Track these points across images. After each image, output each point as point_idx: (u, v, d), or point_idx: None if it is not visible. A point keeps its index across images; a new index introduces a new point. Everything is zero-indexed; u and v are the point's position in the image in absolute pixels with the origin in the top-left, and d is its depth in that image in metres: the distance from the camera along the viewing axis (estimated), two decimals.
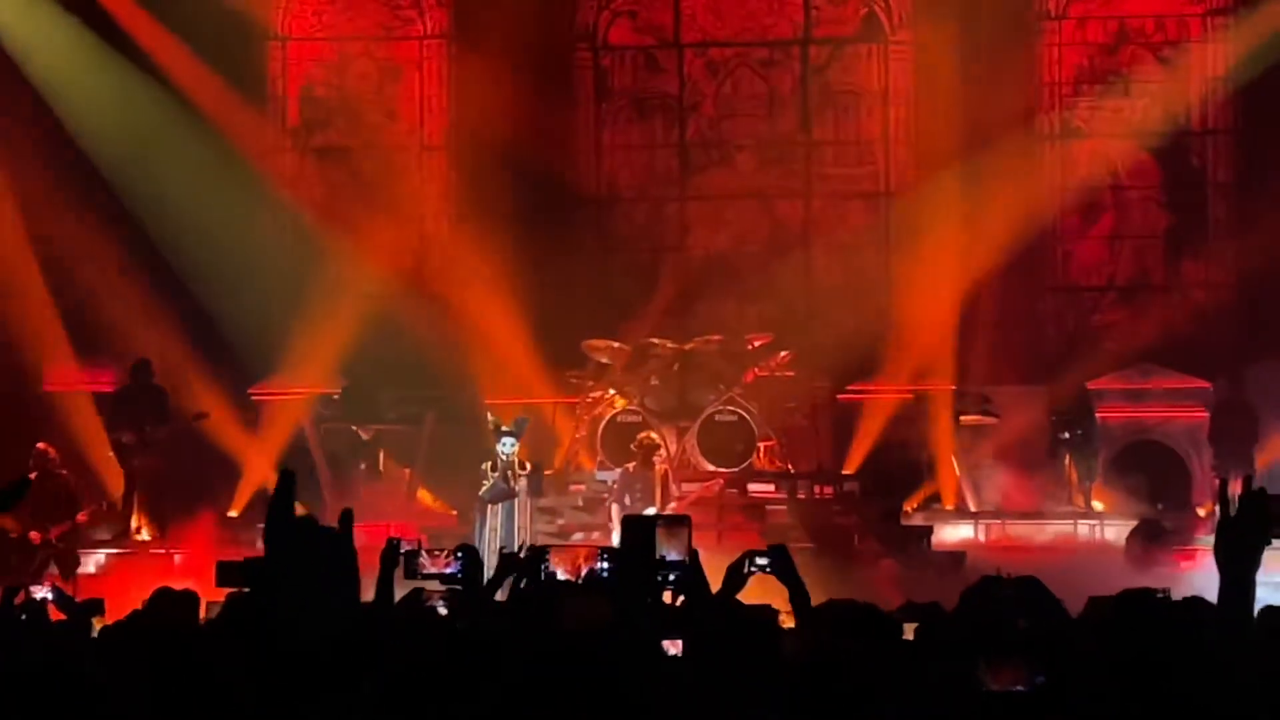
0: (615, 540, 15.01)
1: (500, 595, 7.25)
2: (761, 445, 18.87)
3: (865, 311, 20.12)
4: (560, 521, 18.02)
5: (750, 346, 19.16)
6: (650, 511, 16.62)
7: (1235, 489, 4.30)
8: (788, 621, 6.16)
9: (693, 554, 6.48)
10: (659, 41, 22.32)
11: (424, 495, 19.58)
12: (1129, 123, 21.25)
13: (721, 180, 22.20)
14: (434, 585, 7.50)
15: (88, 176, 20.06)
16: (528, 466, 16.63)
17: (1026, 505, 19.20)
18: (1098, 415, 19.35)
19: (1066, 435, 19.09)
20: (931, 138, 20.80)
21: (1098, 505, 19.08)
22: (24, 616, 9.13)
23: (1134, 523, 18.32)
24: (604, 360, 19.27)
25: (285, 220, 21.33)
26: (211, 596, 9.25)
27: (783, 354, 19.10)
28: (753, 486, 18.68)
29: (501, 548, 12.51)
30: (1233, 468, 17.77)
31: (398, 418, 19.87)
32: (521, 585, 7.10)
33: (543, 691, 4.75)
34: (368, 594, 6.78)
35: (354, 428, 19.84)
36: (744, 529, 17.22)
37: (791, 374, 19.32)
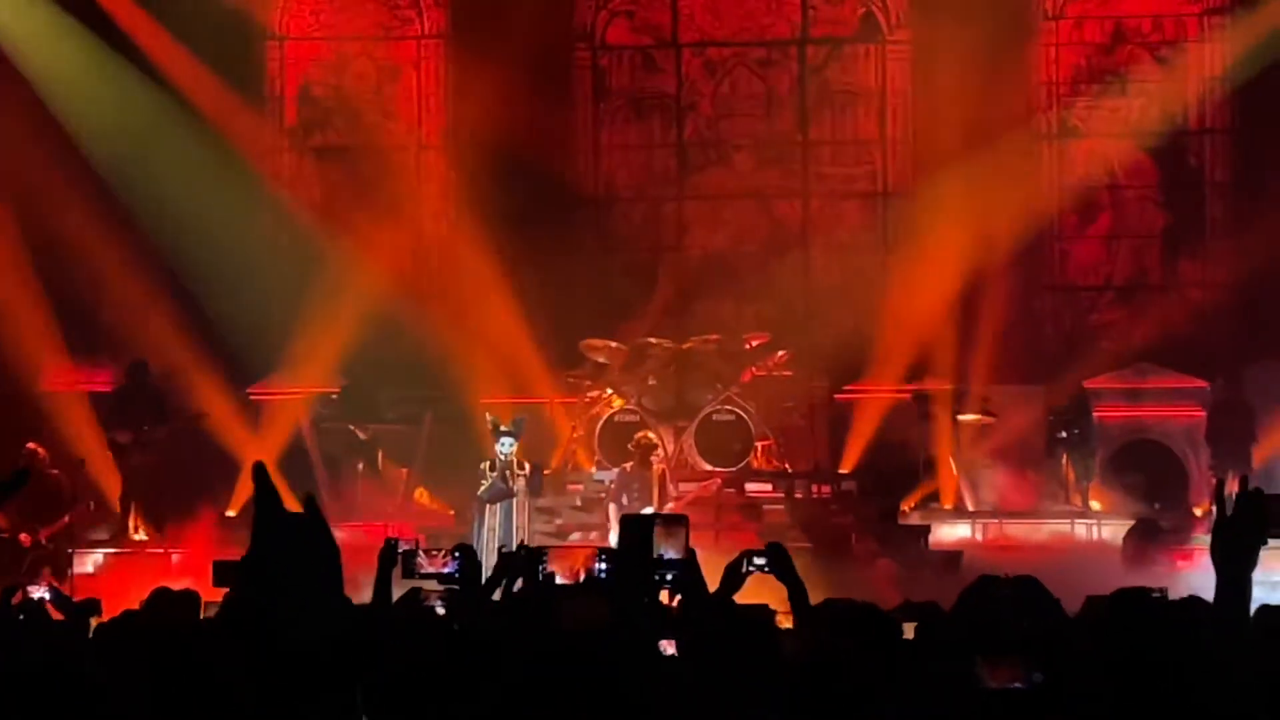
0: (613, 540, 15.02)
1: (496, 595, 7.26)
2: (759, 445, 18.88)
3: (863, 311, 20.11)
4: (558, 521, 18.03)
5: (748, 346, 19.17)
6: (648, 511, 16.64)
7: (1232, 489, 4.30)
8: (785, 621, 6.17)
9: (690, 553, 6.49)
10: (657, 41, 22.32)
11: (421, 495, 19.59)
12: (1126, 122, 21.27)
13: (719, 180, 22.20)
14: (432, 585, 7.51)
15: (85, 176, 20.05)
16: (526, 466, 16.62)
17: (1024, 504, 19.21)
18: (1095, 415, 19.36)
19: (1064, 434, 19.10)
20: (929, 137, 20.80)
21: (1095, 505, 19.09)
22: (21, 616, 9.13)
23: (1131, 522, 18.34)
24: (601, 360, 19.28)
25: (283, 220, 21.32)
26: (211, 597, 9.27)
27: (780, 353, 19.11)
28: (750, 486, 18.69)
29: (500, 547, 12.51)
30: (1230, 467, 17.76)
31: (396, 418, 19.88)
32: (515, 587, 7.10)
33: (541, 692, 4.76)
34: (366, 594, 6.80)
35: (352, 428, 19.84)
36: (741, 528, 17.23)
37: (789, 373, 19.33)
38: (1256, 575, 4.16)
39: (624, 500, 16.94)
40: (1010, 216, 20.11)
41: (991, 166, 19.86)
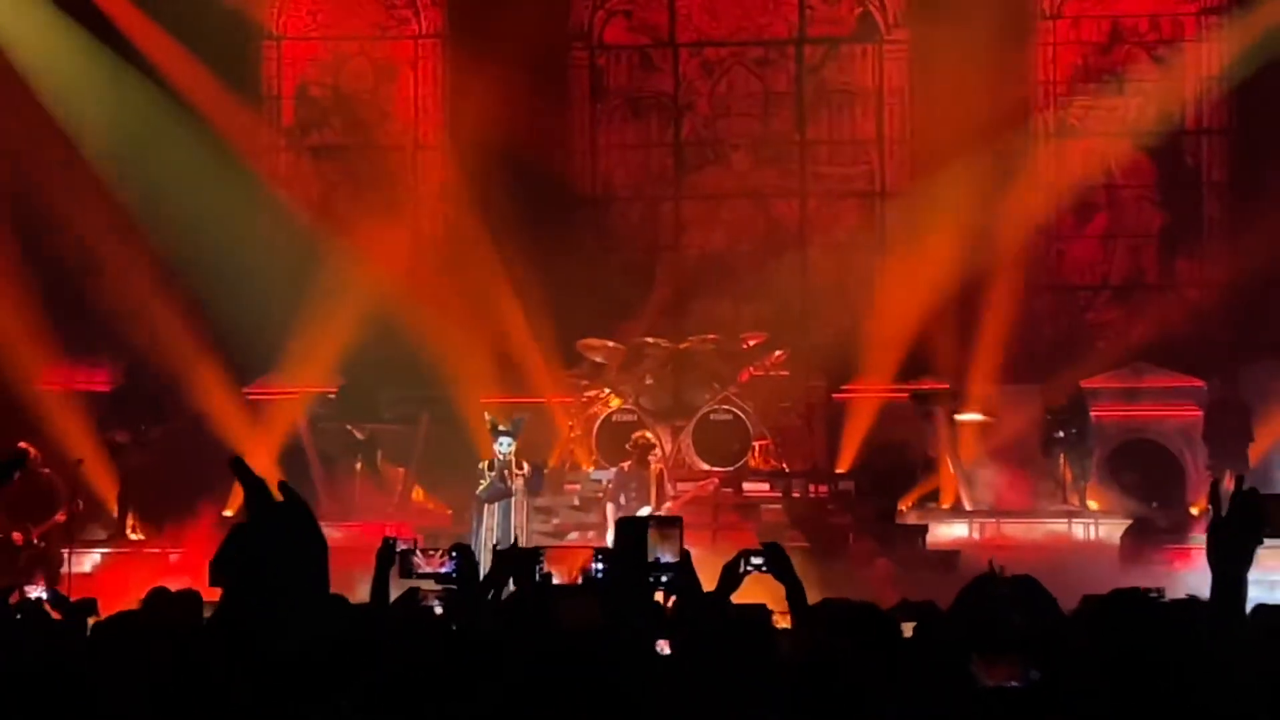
0: (610, 540, 15.03)
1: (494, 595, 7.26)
2: (756, 444, 18.90)
3: (860, 311, 20.11)
4: (556, 521, 18.06)
5: (745, 346, 19.19)
6: (645, 510, 16.65)
7: (1228, 488, 4.31)
8: (782, 621, 6.17)
9: (684, 555, 6.49)
10: (654, 41, 22.32)
11: (419, 495, 19.60)
12: (1124, 122, 21.27)
13: (716, 179, 22.21)
14: (429, 585, 7.52)
15: (83, 176, 20.04)
16: (525, 466, 16.62)
17: (1021, 504, 19.21)
18: (1092, 414, 19.35)
19: (1061, 434, 19.09)
20: (927, 137, 20.81)
21: (1092, 504, 19.09)
22: (19, 616, 9.13)
23: (1128, 522, 18.37)
24: (599, 359, 19.31)
25: (280, 220, 21.31)
26: (213, 597, 9.23)
27: (778, 353, 19.13)
28: (747, 486, 18.72)
29: (494, 545, 12.53)
30: (1227, 467, 17.78)
31: (393, 417, 19.88)
32: (511, 586, 7.10)
33: (539, 691, 4.76)
34: (363, 593, 6.80)
35: (349, 428, 19.84)
36: (739, 528, 17.26)
37: (786, 373, 19.35)
38: (1253, 574, 4.17)
39: (621, 500, 16.96)
40: (1007, 216, 20.13)
41: (989, 166, 19.87)
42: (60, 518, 17.83)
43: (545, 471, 17.59)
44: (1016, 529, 18.55)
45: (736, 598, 6.22)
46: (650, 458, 17.36)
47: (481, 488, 16.50)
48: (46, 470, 17.89)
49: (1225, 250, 20.66)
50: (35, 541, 17.50)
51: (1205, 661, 4.02)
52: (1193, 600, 4.41)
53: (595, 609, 5.88)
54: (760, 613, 5.95)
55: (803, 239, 21.99)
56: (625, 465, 17.36)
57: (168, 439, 19.18)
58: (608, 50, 22.33)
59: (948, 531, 18.68)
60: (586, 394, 19.27)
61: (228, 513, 18.80)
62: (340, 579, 3.33)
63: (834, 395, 20.24)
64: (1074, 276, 21.68)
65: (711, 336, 19.32)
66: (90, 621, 8.97)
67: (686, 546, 6.43)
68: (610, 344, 19.26)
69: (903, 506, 19.08)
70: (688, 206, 22.28)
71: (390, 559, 7.11)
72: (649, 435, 17.76)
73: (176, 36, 20.69)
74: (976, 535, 18.69)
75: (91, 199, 19.89)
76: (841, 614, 5.17)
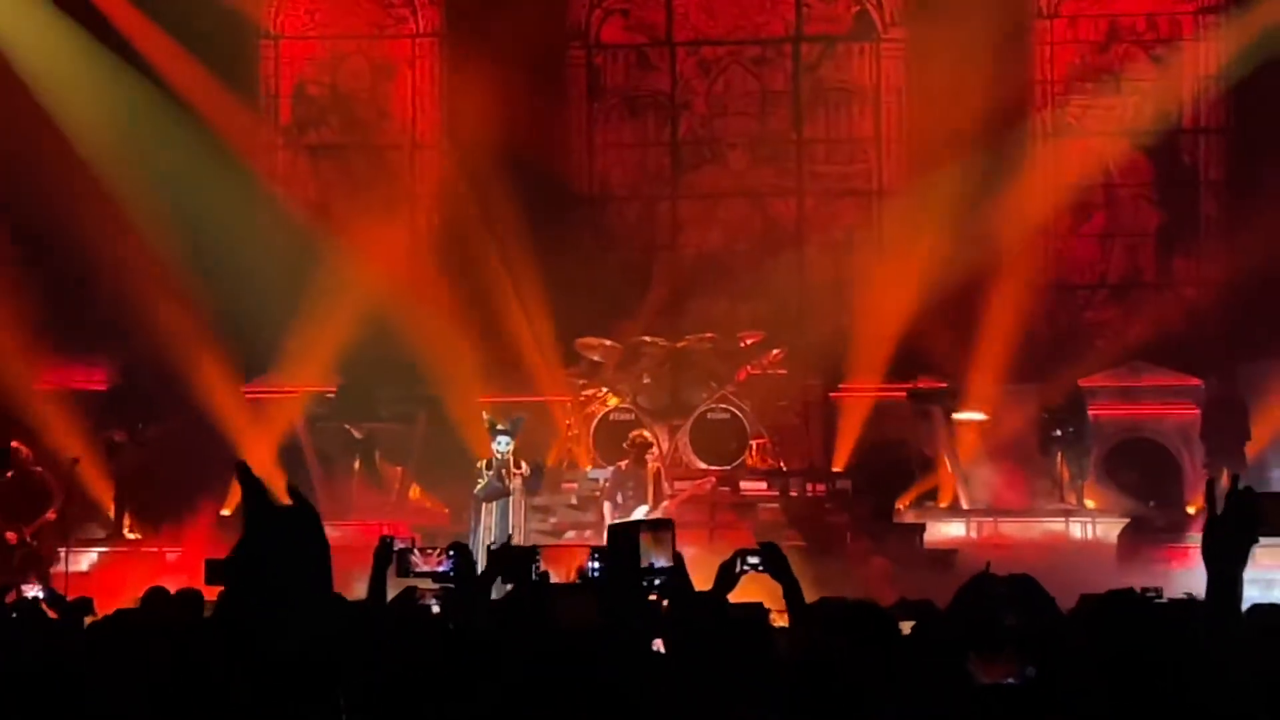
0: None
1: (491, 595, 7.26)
2: (753, 443, 18.91)
3: (857, 309, 20.11)
4: (553, 520, 18.06)
5: (742, 345, 19.19)
6: (642, 509, 16.66)
7: (1224, 487, 4.31)
8: (779, 619, 6.17)
9: (678, 559, 6.49)
10: (651, 40, 22.33)
11: (416, 494, 19.60)
12: (1121, 121, 21.27)
13: (713, 178, 22.21)
14: (426, 583, 7.52)
15: (80, 174, 20.02)
16: (523, 465, 16.62)
17: (1018, 503, 19.21)
18: (1090, 413, 19.36)
19: (1058, 433, 19.09)
20: (924, 136, 20.80)
21: (1089, 503, 19.10)
22: (14, 615, 9.14)
23: (1125, 520, 18.38)
24: (596, 358, 19.31)
25: (278, 218, 21.29)
26: (213, 596, 9.26)
27: (775, 352, 19.13)
28: (745, 484, 18.72)
29: (490, 544, 12.53)
30: (1225, 465, 17.77)
31: (391, 416, 19.87)
32: (507, 584, 7.11)
33: (536, 690, 4.77)
34: (360, 592, 6.80)
35: (347, 426, 19.84)
36: (736, 527, 17.27)
37: (784, 372, 19.36)
38: (1249, 573, 4.17)
39: (619, 498, 16.96)
40: (1005, 215, 20.12)
41: (986, 165, 19.86)
42: (50, 515, 17.83)
43: (545, 471, 17.60)
44: (1014, 528, 18.55)
45: (733, 597, 6.22)
46: (647, 456, 17.36)
47: (479, 487, 16.50)
48: (39, 469, 17.89)
49: (1223, 249, 20.66)
50: (29, 540, 17.50)
51: (1202, 661, 4.03)
52: (1189, 600, 4.42)
53: (592, 608, 5.89)
54: (757, 611, 5.95)
55: (800, 238, 21.99)
56: (623, 464, 17.36)
57: (165, 438, 19.18)
58: (605, 49, 22.33)
59: (945, 530, 18.68)
60: (584, 393, 19.28)
61: (225, 511, 18.82)
62: (338, 578, 3.33)
63: (831, 394, 20.24)
64: (1072, 275, 21.68)
65: (709, 335, 19.32)
66: (87, 621, 8.98)
67: (683, 545, 6.44)
68: (608, 343, 19.26)
69: (900, 505, 19.08)
70: (685, 205, 22.28)
71: (388, 558, 7.11)
72: (646, 434, 17.77)
73: (174, 36, 20.69)
74: (974, 534, 18.69)
75: (89, 198, 19.87)
76: (839, 613, 5.17)
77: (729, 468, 18.70)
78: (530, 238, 19.94)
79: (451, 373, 19.34)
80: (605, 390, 19.13)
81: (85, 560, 18.14)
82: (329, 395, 20.09)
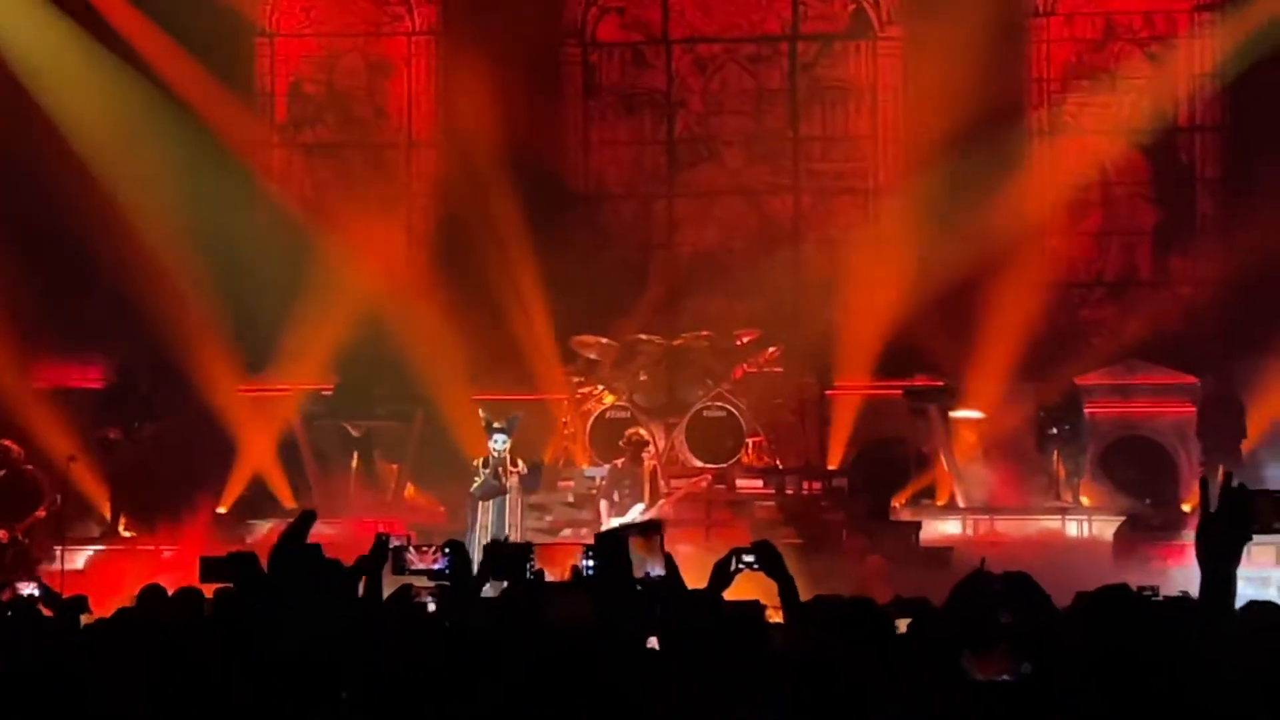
0: None
1: (488, 590, 7.26)
2: (750, 441, 18.90)
3: (853, 307, 20.11)
4: (549, 518, 18.06)
5: (739, 342, 19.18)
6: (638, 507, 16.66)
7: (1218, 485, 4.31)
8: (775, 616, 6.17)
9: (670, 564, 6.48)
10: (647, 38, 22.32)
11: (412, 492, 19.59)
12: (1117, 119, 21.27)
13: (710, 176, 22.21)
14: (422, 581, 7.52)
15: (76, 172, 20.01)
16: (520, 464, 16.61)
17: (1014, 501, 19.21)
18: (1086, 411, 19.36)
19: (1055, 431, 19.10)
20: (920, 133, 20.78)
21: (1085, 501, 19.10)
22: (9, 613, 9.13)
23: (1122, 518, 18.38)
24: (593, 356, 19.32)
25: (274, 216, 21.29)
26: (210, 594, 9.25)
27: (771, 350, 19.13)
28: (741, 482, 18.73)
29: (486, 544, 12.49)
30: (1221, 463, 17.78)
31: (387, 414, 19.87)
32: (502, 581, 7.10)
33: (531, 687, 4.77)
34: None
35: (344, 424, 19.83)
36: (731, 525, 17.28)
37: (780, 370, 19.35)
38: (1243, 571, 4.17)
39: (615, 496, 16.95)
40: (1001, 213, 20.11)
41: (982, 163, 19.85)
42: (41, 514, 17.84)
43: (542, 469, 17.59)
44: (1010, 526, 18.55)
45: (729, 595, 6.21)
46: (644, 454, 17.35)
47: (476, 485, 16.49)
48: (30, 467, 17.90)
49: (1219, 247, 20.65)
50: (20, 538, 17.51)
51: (1196, 658, 4.03)
52: (1184, 597, 4.42)
53: (587, 606, 5.88)
54: (753, 608, 5.95)
55: (796, 236, 21.99)
56: (619, 462, 17.35)
57: (161, 436, 19.17)
58: (601, 47, 22.32)
59: (941, 528, 18.67)
60: (580, 391, 19.28)
61: (221, 510, 18.83)
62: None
63: (827, 392, 20.23)
64: (1068, 273, 21.67)
65: (705, 333, 19.31)
66: (82, 619, 8.98)
67: (679, 543, 6.44)
68: (604, 341, 19.26)
69: (896, 503, 19.08)
70: (681, 203, 22.27)
71: (383, 555, 7.11)
72: (643, 432, 17.76)
73: (171, 33, 20.68)
74: (970, 532, 18.68)
75: (84, 196, 19.85)
76: (834, 610, 5.18)
77: (725, 466, 18.70)
78: (526, 236, 19.94)
79: (448, 371, 19.33)
80: (601, 388, 19.13)
81: (81, 558, 18.13)
82: (325, 393, 20.08)
